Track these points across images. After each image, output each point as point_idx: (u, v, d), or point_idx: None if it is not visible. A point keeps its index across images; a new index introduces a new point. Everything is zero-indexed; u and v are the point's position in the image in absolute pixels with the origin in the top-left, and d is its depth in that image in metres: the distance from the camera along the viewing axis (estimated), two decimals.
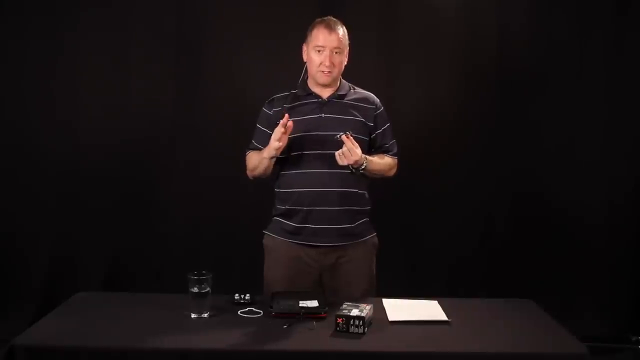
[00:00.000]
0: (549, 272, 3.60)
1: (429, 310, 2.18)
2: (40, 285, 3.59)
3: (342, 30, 2.43)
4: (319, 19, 2.45)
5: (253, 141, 2.54)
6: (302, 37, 2.50)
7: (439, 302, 2.24)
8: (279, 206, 2.49)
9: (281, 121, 2.29)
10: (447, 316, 2.11)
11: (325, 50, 2.38)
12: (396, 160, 2.62)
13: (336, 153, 2.32)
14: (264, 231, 2.54)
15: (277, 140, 2.29)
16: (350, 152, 2.29)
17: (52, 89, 3.56)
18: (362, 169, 2.38)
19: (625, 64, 3.54)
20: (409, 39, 3.57)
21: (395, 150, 2.61)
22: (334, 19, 2.46)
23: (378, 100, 2.56)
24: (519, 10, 3.56)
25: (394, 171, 2.62)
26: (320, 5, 3.40)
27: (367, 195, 2.51)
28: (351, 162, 2.31)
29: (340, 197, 2.41)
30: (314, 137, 2.40)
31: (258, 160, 2.43)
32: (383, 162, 2.53)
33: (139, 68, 3.56)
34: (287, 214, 2.46)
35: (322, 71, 2.40)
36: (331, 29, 2.39)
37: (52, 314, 2.14)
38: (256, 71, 3.49)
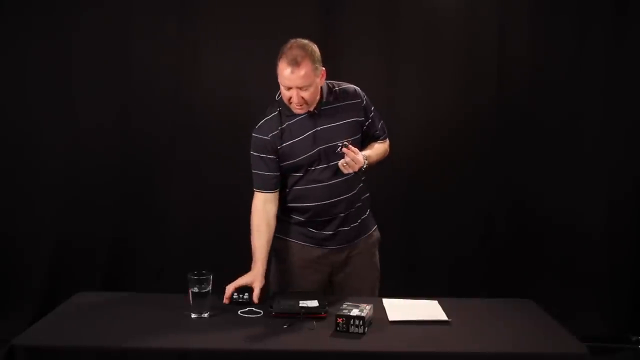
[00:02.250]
0: (549, 272, 3.61)
1: (429, 310, 2.18)
2: (40, 285, 3.60)
3: (308, 62, 2.25)
4: (285, 49, 2.30)
5: (259, 171, 2.41)
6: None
7: (439, 302, 2.24)
8: (294, 216, 2.46)
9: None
10: (447, 316, 2.11)
11: (292, 89, 2.28)
12: (387, 142, 2.58)
13: (339, 164, 2.31)
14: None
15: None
16: (353, 160, 2.29)
17: (52, 89, 3.56)
18: (364, 168, 2.39)
19: (625, 65, 3.54)
20: (409, 39, 3.57)
21: (385, 132, 2.57)
22: (301, 43, 2.29)
23: (360, 90, 2.48)
24: (519, 11, 3.57)
25: (388, 152, 2.59)
26: (320, 5, 3.40)
27: (364, 186, 2.52)
28: (356, 170, 2.32)
29: (349, 201, 2.43)
30: (316, 154, 2.36)
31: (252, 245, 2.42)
32: (379, 151, 2.52)
33: (139, 68, 3.56)
34: (302, 224, 2.45)
35: (294, 106, 2.32)
36: (294, 67, 2.23)
37: (52, 314, 2.14)
38: (256, 71, 3.48)
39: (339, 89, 2.46)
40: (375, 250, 2.56)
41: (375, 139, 2.55)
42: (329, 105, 2.41)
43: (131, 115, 3.59)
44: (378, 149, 2.54)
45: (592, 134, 3.59)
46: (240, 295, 2.25)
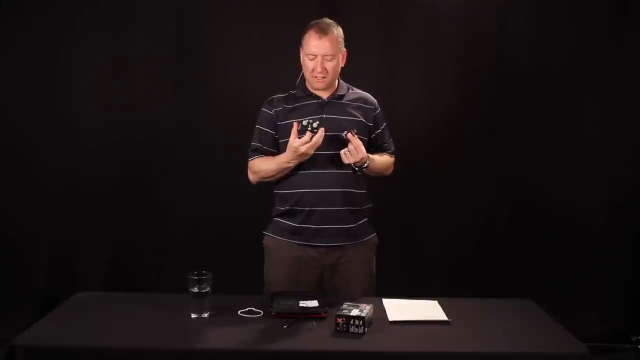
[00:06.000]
0: (549, 272, 3.60)
1: (429, 310, 2.18)
2: (40, 285, 3.59)
3: (335, 34, 2.38)
4: (312, 22, 2.42)
5: (259, 144, 2.49)
6: (300, 38, 2.50)
7: (439, 302, 2.24)
8: (279, 207, 2.49)
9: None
10: (447, 316, 2.11)
11: (317, 58, 2.36)
12: (394, 159, 2.64)
13: (341, 152, 2.33)
14: (264, 232, 2.54)
15: (312, 145, 2.26)
16: (356, 150, 2.30)
17: (52, 89, 3.56)
18: (365, 168, 2.39)
19: (625, 65, 3.54)
20: (409, 39, 3.57)
21: (393, 148, 2.64)
22: (328, 21, 2.42)
23: (375, 100, 2.58)
24: (519, 11, 3.56)
25: (391, 169, 2.65)
26: (320, 5, 3.41)
27: (367, 195, 2.52)
28: (357, 160, 2.32)
29: (342, 197, 2.41)
30: None
31: (277, 165, 2.39)
32: (383, 161, 2.56)
33: (139, 68, 3.56)
34: (288, 214, 2.45)
35: (316, 77, 2.39)
36: (322, 34, 2.35)
37: (52, 314, 2.14)
38: (256, 71, 3.49)
39: (356, 91, 2.55)
40: (371, 257, 2.55)
41: (382, 151, 2.58)
42: (340, 98, 2.48)
43: (131, 115, 3.58)
44: (382, 158, 2.56)
45: (592, 134, 3.59)
46: (310, 122, 2.25)
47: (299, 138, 2.28)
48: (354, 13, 3.45)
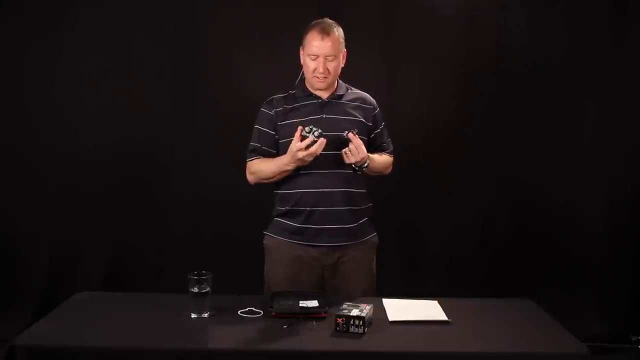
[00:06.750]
0: (549, 272, 3.60)
1: (429, 310, 2.18)
2: (40, 285, 3.59)
3: (336, 34, 2.39)
4: (314, 22, 2.42)
5: (258, 144, 2.49)
6: (301, 38, 2.50)
7: (439, 302, 2.24)
8: (279, 207, 2.49)
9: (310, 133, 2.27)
10: (447, 316, 2.11)
11: (319, 58, 2.37)
12: (392, 158, 2.64)
13: (343, 151, 2.33)
14: (264, 232, 2.54)
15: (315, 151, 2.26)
16: (357, 149, 2.31)
17: (52, 89, 3.56)
18: (365, 167, 2.40)
19: (625, 66, 3.54)
20: (409, 39, 3.57)
21: (391, 148, 2.65)
22: (329, 21, 2.42)
23: (374, 100, 2.58)
24: (519, 11, 3.57)
25: (390, 169, 2.66)
26: (320, 5, 3.41)
27: (367, 194, 2.52)
28: (358, 160, 2.32)
29: (342, 197, 2.42)
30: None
31: (276, 167, 2.39)
32: (383, 160, 2.57)
33: (138, 68, 3.56)
34: (289, 215, 2.45)
35: (317, 77, 2.40)
36: (324, 35, 2.36)
37: (52, 314, 2.14)
38: (256, 71, 3.49)
39: (354, 90, 2.56)
40: (371, 257, 2.55)
41: (381, 150, 2.59)
42: (340, 98, 2.48)
43: (131, 115, 3.58)
44: (382, 158, 2.57)
45: (592, 134, 3.59)
46: (313, 130, 2.24)
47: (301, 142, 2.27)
48: (354, 13, 3.45)
